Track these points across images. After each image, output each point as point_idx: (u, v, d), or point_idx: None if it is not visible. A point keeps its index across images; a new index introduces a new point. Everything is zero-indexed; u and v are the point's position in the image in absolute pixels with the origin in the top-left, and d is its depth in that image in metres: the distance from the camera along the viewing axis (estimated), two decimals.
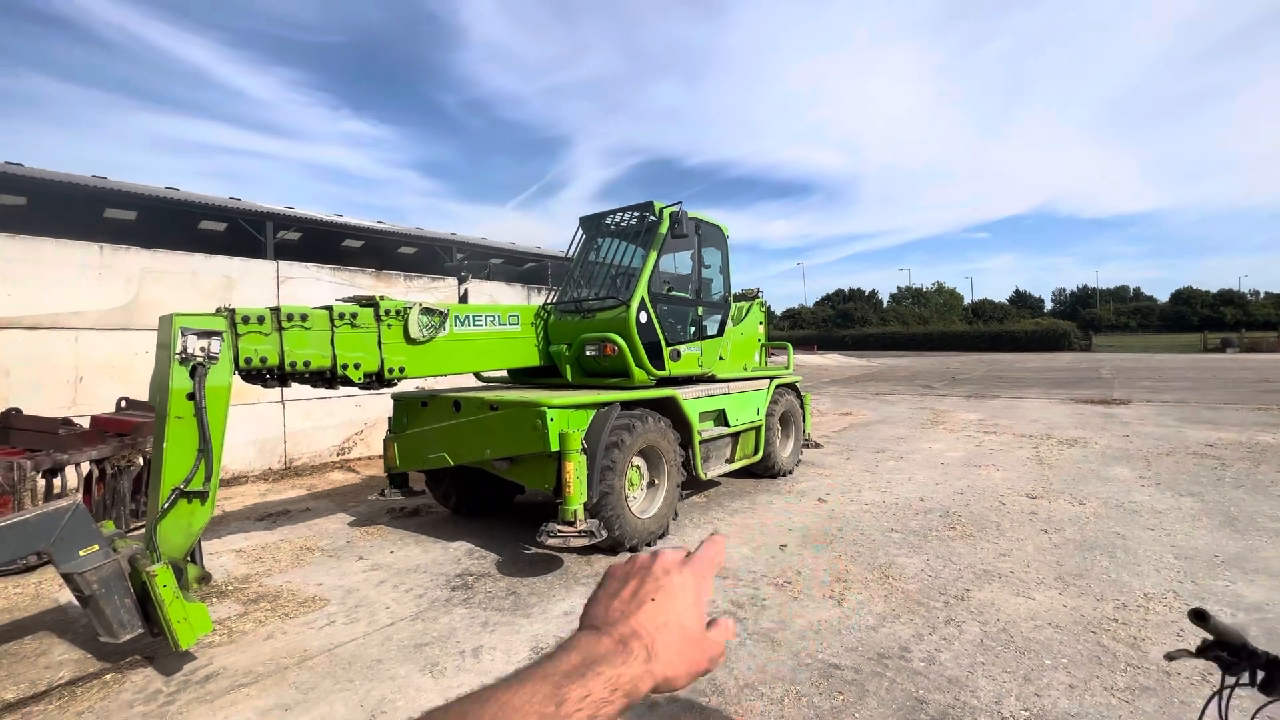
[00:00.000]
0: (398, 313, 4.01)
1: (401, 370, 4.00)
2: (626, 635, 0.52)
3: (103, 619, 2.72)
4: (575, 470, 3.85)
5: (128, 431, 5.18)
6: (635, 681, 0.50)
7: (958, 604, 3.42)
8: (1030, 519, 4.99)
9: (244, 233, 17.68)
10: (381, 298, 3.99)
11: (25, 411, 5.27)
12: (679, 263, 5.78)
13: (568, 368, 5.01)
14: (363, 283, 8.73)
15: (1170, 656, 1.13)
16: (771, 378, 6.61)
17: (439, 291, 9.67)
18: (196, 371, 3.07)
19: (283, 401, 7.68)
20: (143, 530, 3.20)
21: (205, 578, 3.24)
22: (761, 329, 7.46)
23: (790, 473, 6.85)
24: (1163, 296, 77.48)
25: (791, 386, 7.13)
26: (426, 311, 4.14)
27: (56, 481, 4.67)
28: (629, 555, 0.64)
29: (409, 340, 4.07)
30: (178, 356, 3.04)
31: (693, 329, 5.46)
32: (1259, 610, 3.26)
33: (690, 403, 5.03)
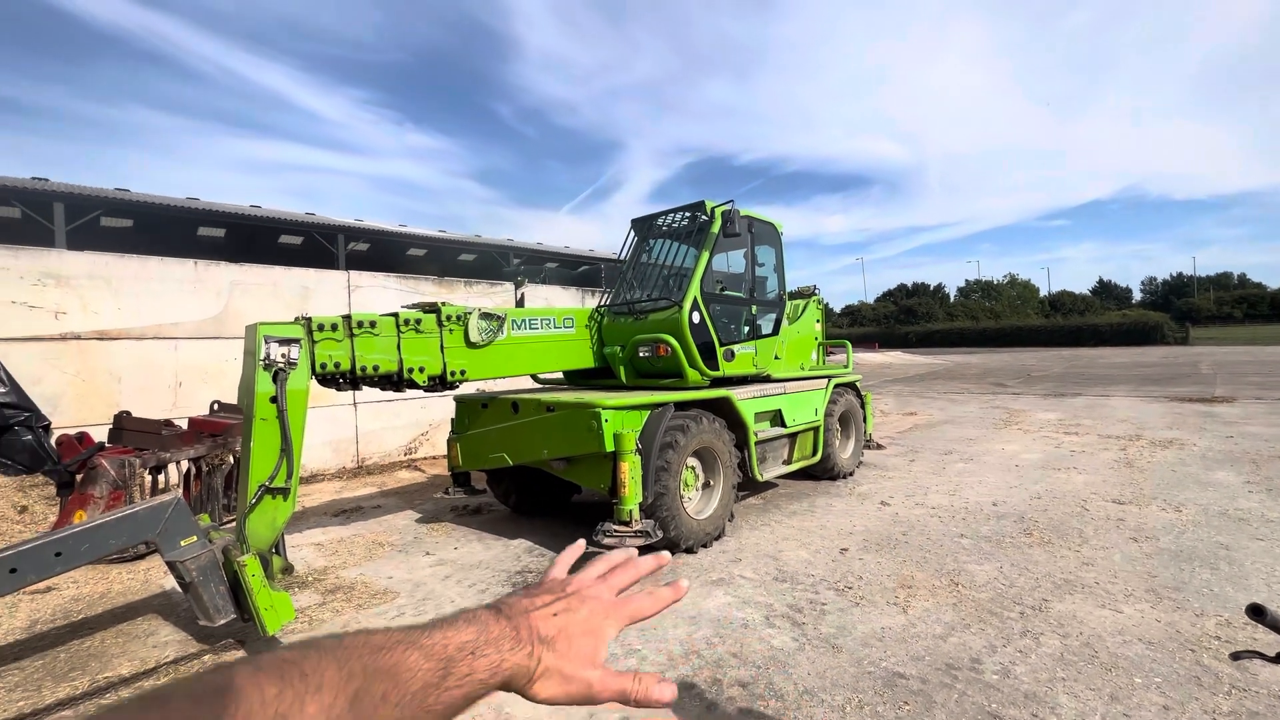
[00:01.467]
0: (458, 318, 4.16)
1: (463, 373, 4.15)
2: (521, 626, 0.53)
3: (201, 604, 2.97)
4: (630, 471, 3.89)
5: (220, 432, 5.63)
6: (515, 672, 0.51)
7: (1035, 615, 3.23)
8: (1118, 526, 4.64)
9: (318, 245, 18.85)
10: (443, 304, 4.16)
11: (134, 414, 5.81)
12: (732, 261, 5.73)
13: (621, 369, 5.06)
14: (425, 290, 9.11)
15: (1236, 656, 1.04)
16: (829, 377, 6.44)
17: (497, 296, 9.98)
18: (278, 376, 3.29)
19: (354, 404, 8.13)
20: (233, 523, 3.47)
21: (288, 568, 3.48)
22: (819, 327, 7.27)
23: (851, 474, 6.65)
24: (1273, 283, 70.21)
25: (851, 386, 6.92)
26: (485, 316, 4.28)
27: (161, 478, 5.13)
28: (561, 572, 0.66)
29: (469, 344, 4.22)
30: (262, 362, 3.27)
31: (746, 328, 5.39)
32: None
33: (745, 403, 4.97)
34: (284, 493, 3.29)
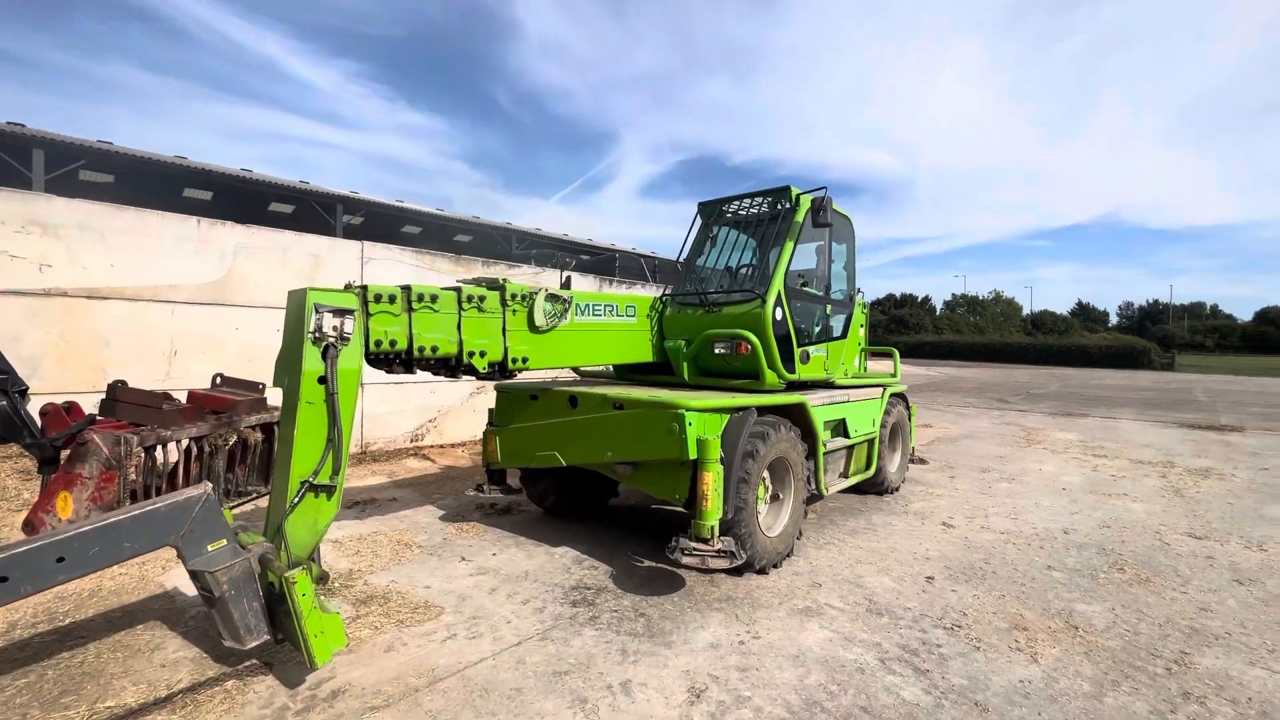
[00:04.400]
0: (523, 297, 3.67)
1: (525, 360, 3.66)
2: None
3: (229, 622, 2.45)
4: (713, 482, 3.44)
5: (224, 409, 5.05)
6: None
7: (1182, 672, 2.86)
8: (1210, 565, 4.33)
9: (310, 215, 17.99)
10: (505, 280, 3.66)
11: (128, 383, 5.19)
12: (800, 255, 5.29)
13: (684, 365, 4.60)
14: (441, 267, 8.54)
15: None
16: (884, 386, 6.07)
17: (517, 279, 9.42)
18: (328, 352, 2.78)
19: (362, 384, 7.54)
20: (248, 511, 2.94)
21: (324, 578, 2.96)
22: (863, 332, 6.90)
23: (897, 490, 6.30)
24: (1244, 315, 72.36)
25: (901, 396, 6.56)
26: (552, 298, 3.79)
27: (158, 456, 4.55)
28: None
29: (532, 328, 3.73)
30: (311, 335, 2.75)
31: (818, 329, 4.98)
32: None
33: (817, 410, 4.56)
34: (329, 490, 2.79)
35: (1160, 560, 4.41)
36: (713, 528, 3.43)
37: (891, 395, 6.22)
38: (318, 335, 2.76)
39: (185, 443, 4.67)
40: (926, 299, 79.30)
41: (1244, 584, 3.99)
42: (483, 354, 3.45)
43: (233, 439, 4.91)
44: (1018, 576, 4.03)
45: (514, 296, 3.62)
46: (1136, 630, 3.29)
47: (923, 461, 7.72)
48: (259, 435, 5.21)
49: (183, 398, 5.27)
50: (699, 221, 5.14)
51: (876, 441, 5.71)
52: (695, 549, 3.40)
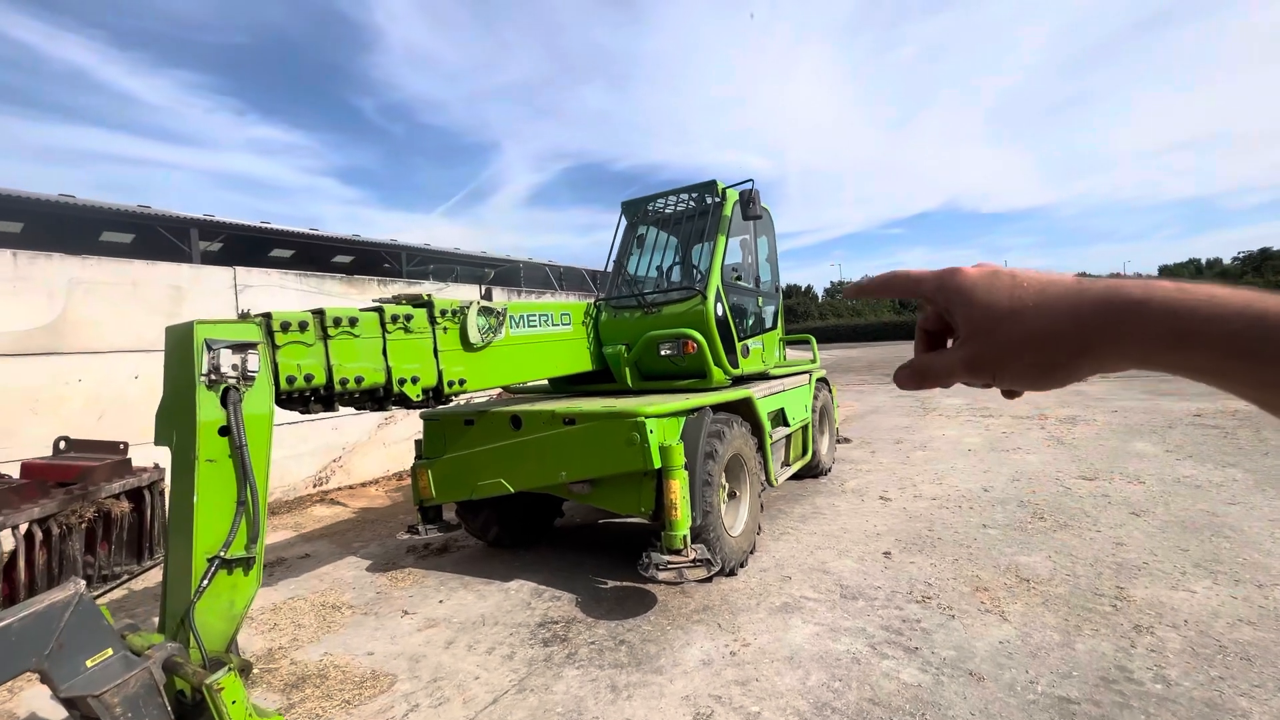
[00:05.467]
0: (454, 313, 3.30)
1: (462, 383, 3.29)
2: None
3: None
4: (680, 489, 3.28)
5: (72, 479, 4.15)
6: None
7: (1126, 606, 3.12)
8: (1108, 503, 4.84)
9: (156, 243, 15.75)
10: (429, 296, 3.27)
11: None
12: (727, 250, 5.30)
13: (627, 370, 4.40)
14: (332, 289, 7.72)
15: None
16: (809, 372, 6.25)
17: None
18: (229, 397, 2.29)
19: None
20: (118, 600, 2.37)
21: (246, 668, 2.44)
22: (780, 322, 7.10)
23: (830, 470, 6.52)
24: None
25: (824, 380, 6.81)
26: (485, 311, 3.45)
27: None
28: None
29: (467, 346, 3.37)
30: (204, 378, 2.26)
31: (752, 321, 4.99)
32: None
33: (761, 402, 4.56)
34: (246, 564, 2.30)
35: (1069, 504, 4.86)
36: (685, 537, 3.28)
37: (816, 380, 6.43)
38: (213, 377, 2.27)
39: (25, 527, 3.78)
40: (809, 288, 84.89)
41: (1140, 515, 4.48)
42: (415, 379, 3.05)
43: (90, 513, 4.06)
44: (961, 539, 4.26)
45: (444, 313, 3.24)
46: (1075, 574, 3.56)
47: (846, 440, 8.10)
48: (125, 505, 4.35)
49: (15, 472, 4.28)
50: (624, 221, 4.98)
51: (810, 426, 5.87)
52: (670, 563, 3.23)
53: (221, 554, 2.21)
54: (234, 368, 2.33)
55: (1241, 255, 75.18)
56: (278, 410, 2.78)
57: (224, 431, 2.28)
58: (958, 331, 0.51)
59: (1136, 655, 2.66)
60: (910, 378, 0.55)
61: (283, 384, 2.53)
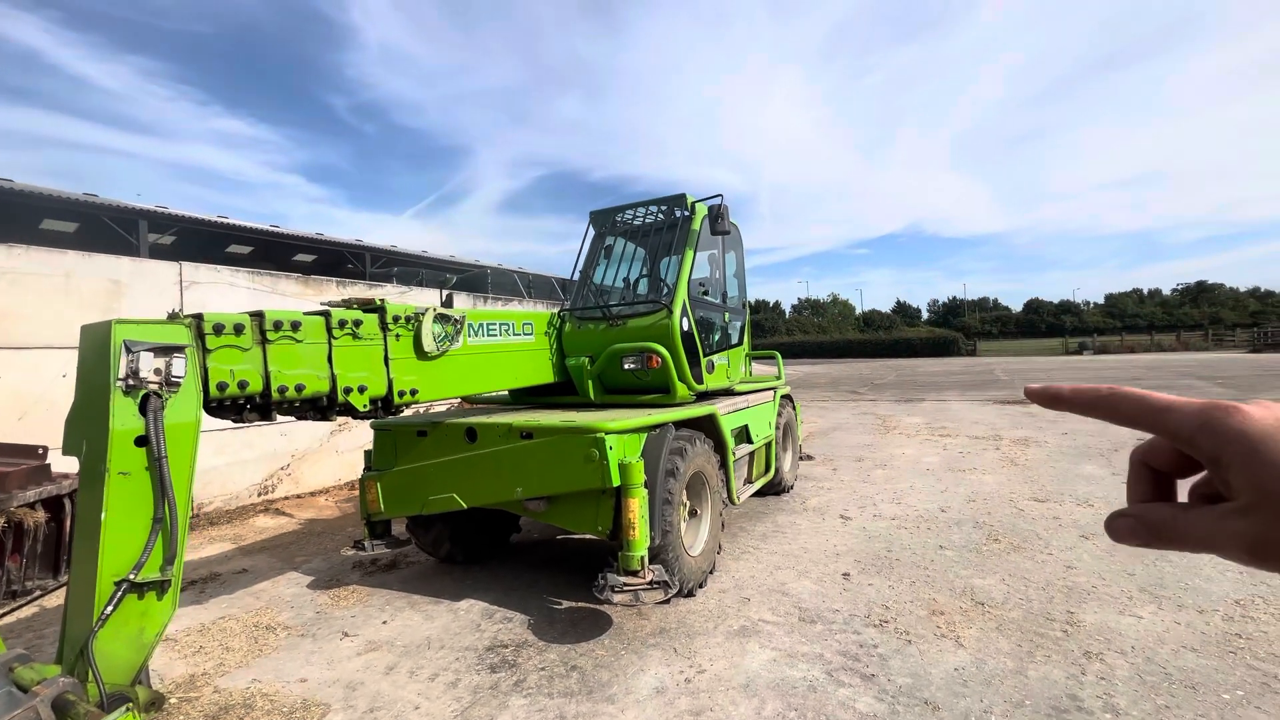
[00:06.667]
0: (408, 319, 3.16)
1: (414, 393, 3.14)
2: None
3: None
4: (639, 508, 3.19)
5: None
6: None
7: (1077, 631, 3.15)
8: (1058, 525, 4.94)
9: (103, 233, 14.98)
10: (383, 301, 3.13)
11: None
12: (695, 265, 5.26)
13: (589, 383, 4.30)
14: (287, 290, 7.41)
15: None
16: (774, 388, 6.25)
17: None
18: (150, 404, 2.11)
19: None
20: (29, 618, 2.15)
21: (157, 701, 2.24)
22: (747, 338, 7.11)
23: (792, 488, 6.52)
24: (1016, 306, 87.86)
25: (788, 397, 6.83)
26: (441, 318, 3.31)
27: None
28: None
29: (420, 354, 3.22)
30: (120, 384, 2.07)
31: (718, 337, 4.95)
32: None
33: (725, 419, 4.51)
34: (160, 588, 2.11)
35: (1022, 526, 4.94)
36: (642, 558, 3.18)
37: (780, 397, 6.44)
38: (131, 382, 2.09)
39: None
40: (777, 304, 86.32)
41: (1089, 538, 4.58)
42: (362, 388, 2.89)
43: (0, 523, 3.76)
44: (919, 560, 4.27)
45: (396, 319, 3.10)
46: (1028, 597, 3.59)
47: (809, 458, 8.14)
48: (41, 515, 4.05)
49: None
50: (592, 231, 4.90)
51: (773, 443, 5.85)
52: (627, 584, 3.12)
53: (131, 576, 2.02)
54: (156, 372, 2.15)
55: (1180, 287, 79.83)
56: (235, 422, 2.60)
57: (141, 441, 2.09)
58: (1231, 493, 0.39)
59: (1087, 683, 2.67)
60: (1136, 533, 0.43)
61: (213, 391, 2.35)
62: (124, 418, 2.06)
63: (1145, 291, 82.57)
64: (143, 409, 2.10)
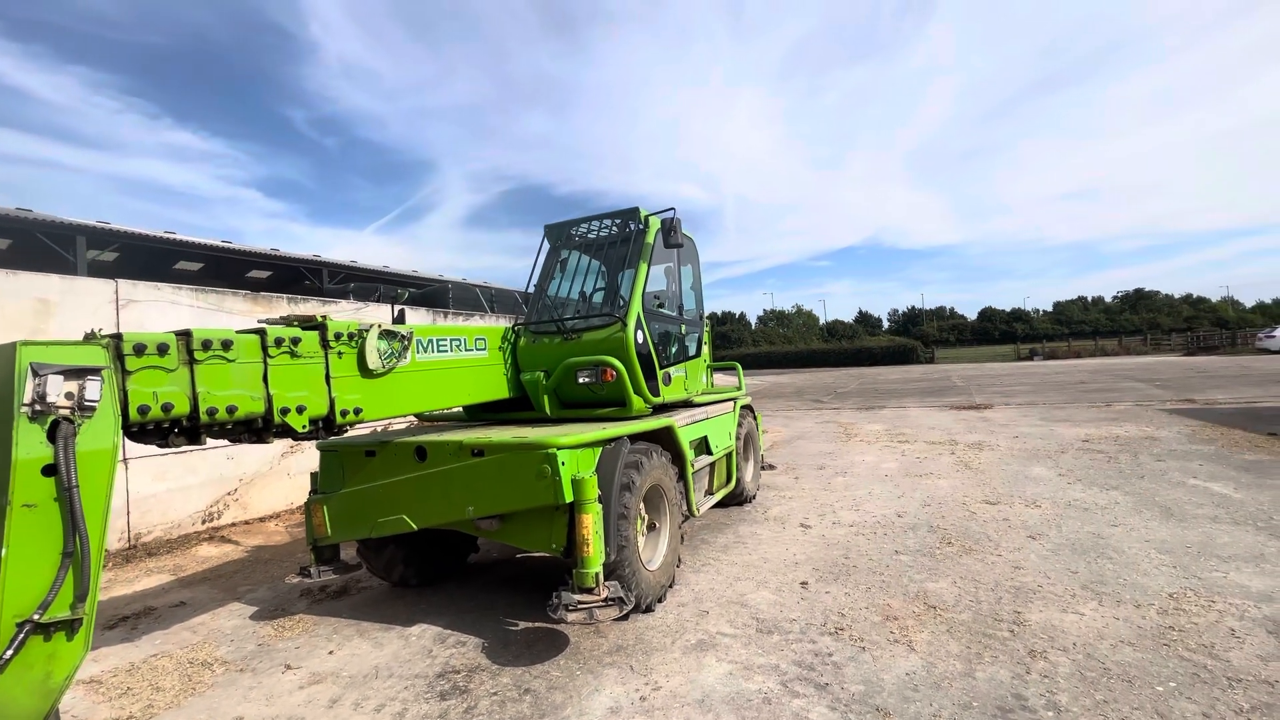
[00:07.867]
0: (350, 337, 3.07)
1: (358, 412, 3.05)
2: None
3: None
4: (593, 524, 3.15)
5: None
6: None
7: (1022, 630, 3.23)
8: (1008, 526, 5.09)
9: (39, 251, 14.25)
10: (324, 317, 3.04)
11: None
12: (650, 277, 5.28)
13: (545, 398, 4.25)
14: (235, 307, 7.14)
15: None
16: (734, 399, 6.30)
17: (337, 317, 8.24)
18: (59, 430, 1.99)
19: (125, 459, 5.92)
20: None
21: None
22: (707, 350, 7.16)
23: (754, 498, 6.56)
24: (971, 314, 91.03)
25: (749, 408, 6.88)
26: (387, 335, 3.23)
27: None
28: None
29: (365, 372, 3.13)
30: (25, 410, 1.95)
31: (675, 349, 4.97)
32: (1270, 600, 3.42)
33: (683, 431, 4.51)
34: (70, 627, 1.97)
35: (974, 529, 5.07)
36: (596, 575, 3.14)
37: (741, 407, 6.49)
38: (38, 407, 1.96)
39: None
40: (743, 315, 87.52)
41: (1035, 538, 4.73)
42: (301, 409, 2.79)
43: None
44: (875, 566, 4.33)
45: (338, 336, 3.01)
46: (978, 599, 3.67)
47: (771, 467, 8.21)
48: None
49: None
50: (546, 245, 4.88)
51: (734, 454, 5.88)
52: (580, 602, 3.07)
53: (36, 617, 1.88)
54: (68, 396, 2.03)
55: (1120, 294, 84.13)
56: (160, 447, 2.46)
57: (50, 470, 1.96)
58: None
59: (1031, 682, 2.73)
60: None
61: (134, 415, 2.23)
62: (29, 446, 1.93)
63: (1090, 299, 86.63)
64: (52, 436, 1.98)
